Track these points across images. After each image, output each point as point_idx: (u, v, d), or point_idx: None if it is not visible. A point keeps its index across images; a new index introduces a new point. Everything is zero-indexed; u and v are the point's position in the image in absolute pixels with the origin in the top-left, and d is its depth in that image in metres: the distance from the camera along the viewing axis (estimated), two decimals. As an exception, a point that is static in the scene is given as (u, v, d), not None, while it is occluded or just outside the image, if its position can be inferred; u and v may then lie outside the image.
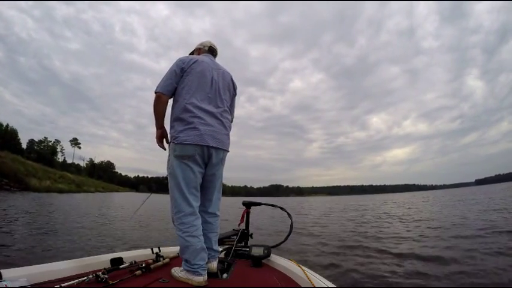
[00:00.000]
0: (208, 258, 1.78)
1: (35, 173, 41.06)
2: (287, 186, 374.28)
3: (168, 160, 1.77)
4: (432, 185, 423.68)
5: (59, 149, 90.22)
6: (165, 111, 1.87)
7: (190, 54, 2.09)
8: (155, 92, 1.79)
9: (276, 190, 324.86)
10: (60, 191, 39.67)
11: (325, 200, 59.13)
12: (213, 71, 1.88)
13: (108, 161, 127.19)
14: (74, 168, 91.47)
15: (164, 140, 1.94)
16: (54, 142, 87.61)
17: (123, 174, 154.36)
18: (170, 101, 1.87)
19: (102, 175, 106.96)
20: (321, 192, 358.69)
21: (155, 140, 1.92)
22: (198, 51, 2.10)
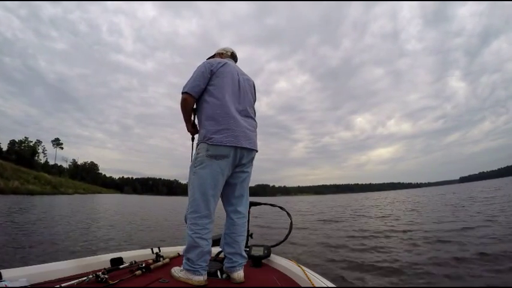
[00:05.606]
0: (235, 266, 1.73)
1: (3, 173, 38.49)
2: (273, 186, 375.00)
3: (196, 158, 1.74)
4: (417, 183, 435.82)
5: (40, 150, 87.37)
6: (192, 109, 1.88)
7: (209, 58, 2.06)
8: (182, 92, 1.79)
9: (263, 190, 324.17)
10: (31, 193, 36.61)
11: (314, 199, 58.98)
12: (239, 74, 1.93)
13: (92, 162, 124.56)
14: (56, 169, 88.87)
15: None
16: (35, 143, 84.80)
17: (107, 175, 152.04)
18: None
19: (86, 176, 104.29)
20: (308, 192, 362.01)
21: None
22: (219, 55, 2.10)
